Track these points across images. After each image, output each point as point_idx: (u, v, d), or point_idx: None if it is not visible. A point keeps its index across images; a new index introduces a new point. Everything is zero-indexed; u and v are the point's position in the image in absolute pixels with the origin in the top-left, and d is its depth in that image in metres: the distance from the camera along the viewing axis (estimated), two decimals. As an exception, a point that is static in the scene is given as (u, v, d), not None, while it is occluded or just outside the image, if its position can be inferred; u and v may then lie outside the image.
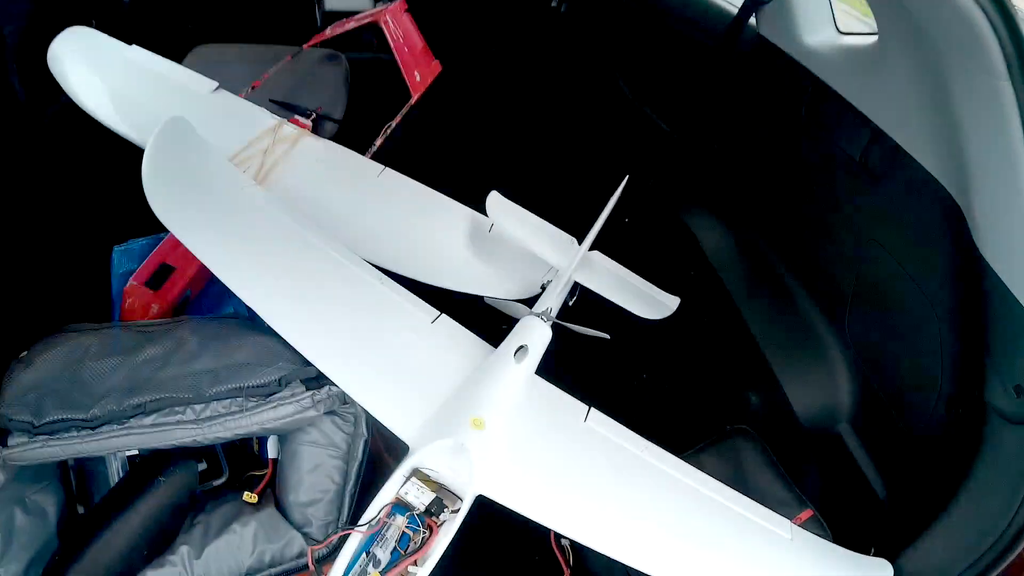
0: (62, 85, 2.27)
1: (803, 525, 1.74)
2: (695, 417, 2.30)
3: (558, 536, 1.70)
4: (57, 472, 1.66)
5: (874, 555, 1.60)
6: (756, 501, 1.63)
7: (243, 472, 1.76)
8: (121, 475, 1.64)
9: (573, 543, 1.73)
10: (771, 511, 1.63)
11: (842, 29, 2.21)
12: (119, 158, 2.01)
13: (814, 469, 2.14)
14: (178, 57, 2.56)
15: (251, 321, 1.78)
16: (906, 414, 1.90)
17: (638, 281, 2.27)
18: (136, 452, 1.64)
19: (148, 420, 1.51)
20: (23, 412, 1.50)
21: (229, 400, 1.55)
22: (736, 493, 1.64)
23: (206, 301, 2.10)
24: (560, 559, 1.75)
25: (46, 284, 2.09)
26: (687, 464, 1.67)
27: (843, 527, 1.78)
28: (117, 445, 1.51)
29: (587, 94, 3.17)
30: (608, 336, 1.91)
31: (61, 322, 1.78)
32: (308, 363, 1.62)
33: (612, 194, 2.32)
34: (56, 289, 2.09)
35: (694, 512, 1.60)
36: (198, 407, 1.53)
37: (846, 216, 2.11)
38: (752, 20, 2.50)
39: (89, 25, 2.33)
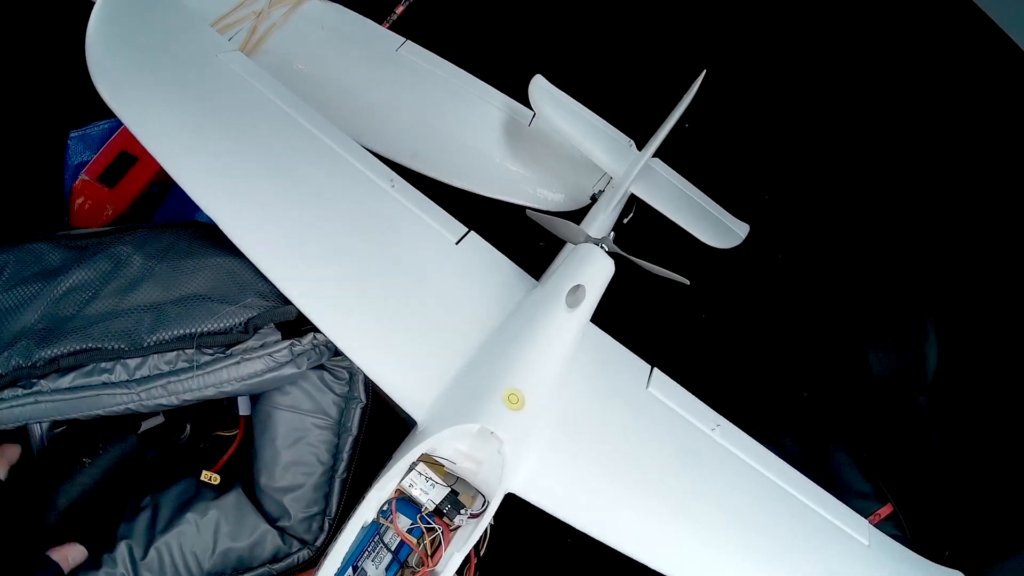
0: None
1: (881, 522, 1.51)
2: (761, 373, 1.81)
3: None
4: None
5: (948, 557, 1.31)
6: (831, 488, 1.25)
7: (210, 429, 1.27)
8: (45, 443, 1.18)
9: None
10: (849, 509, 1.23)
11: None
12: (80, 19, 1.47)
13: (887, 446, 1.71)
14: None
15: (218, 230, 1.23)
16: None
17: (705, 200, 1.77)
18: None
19: (64, 381, 1.01)
20: (-103, 365, 1.02)
21: (175, 353, 1.04)
22: (813, 485, 1.23)
23: (177, 200, 1.58)
24: None
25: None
26: (763, 448, 1.24)
27: (919, 521, 1.51)
28: (21, 416, 1.01)
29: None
30: (688, 282, 1.40)
31: (7, 235, 1.27)
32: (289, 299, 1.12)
33: (686, 92, 1.73)
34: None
35: (770, 513, 1.18)
36: (132, 363, 1.03)
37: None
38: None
39: None
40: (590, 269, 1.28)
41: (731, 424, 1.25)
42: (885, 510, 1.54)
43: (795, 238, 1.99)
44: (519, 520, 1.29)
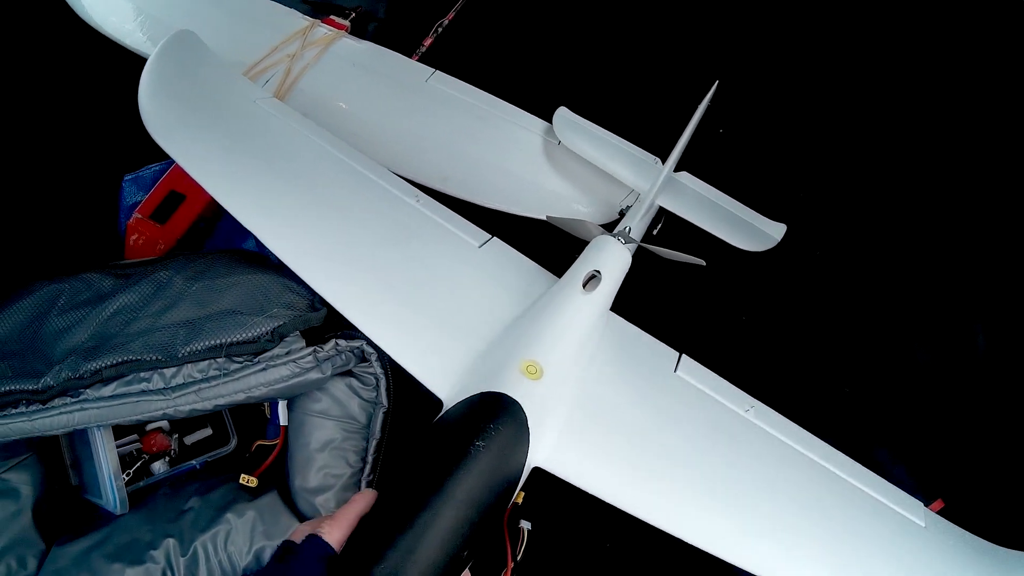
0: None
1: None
2: (802, 370, 1.81)
3: (513, 516, 1.24)
4: (34, 442, 1.27)
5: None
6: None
7: (253, 439, 1.37)
8: (103, 448, 1.28)
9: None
10: (901, 491, 1.21)
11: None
12: (131, 75, 1.63)
13: (935, 441, 1.70)
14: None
15: (252, 253, 1.40)
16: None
17: (735, 206, 1.80)
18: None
19: (107, 390, 1.11)
20: (-31, 382, 1.13)
21: (207, 362, 1.14)
22: (861, 467, 1.23)
23: (223, 233, 1.70)
24: (507, 547, 1.27)
25: (49, 223, 1.73)
26: (803, 430, 1.25)
27: (971, 517, 1.37)
28: (70, 422, 1.11)
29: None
30: (704, 262, 1.45)
31: (68, 268, 1.42)
32: (314, 307, 1.23)
33: (699, 103, 1.83)
34: (61, 228, 1.72)
35: (812, 492, 1.17)
36: (168, 372, 1.12)
37: None
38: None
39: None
40: (605, 257, 1.36)
41: (766, 407, 1.27)
42: (934, 507, 1.50)
43: (833, 234, 2.01)
44: (556, 524, 1.34)
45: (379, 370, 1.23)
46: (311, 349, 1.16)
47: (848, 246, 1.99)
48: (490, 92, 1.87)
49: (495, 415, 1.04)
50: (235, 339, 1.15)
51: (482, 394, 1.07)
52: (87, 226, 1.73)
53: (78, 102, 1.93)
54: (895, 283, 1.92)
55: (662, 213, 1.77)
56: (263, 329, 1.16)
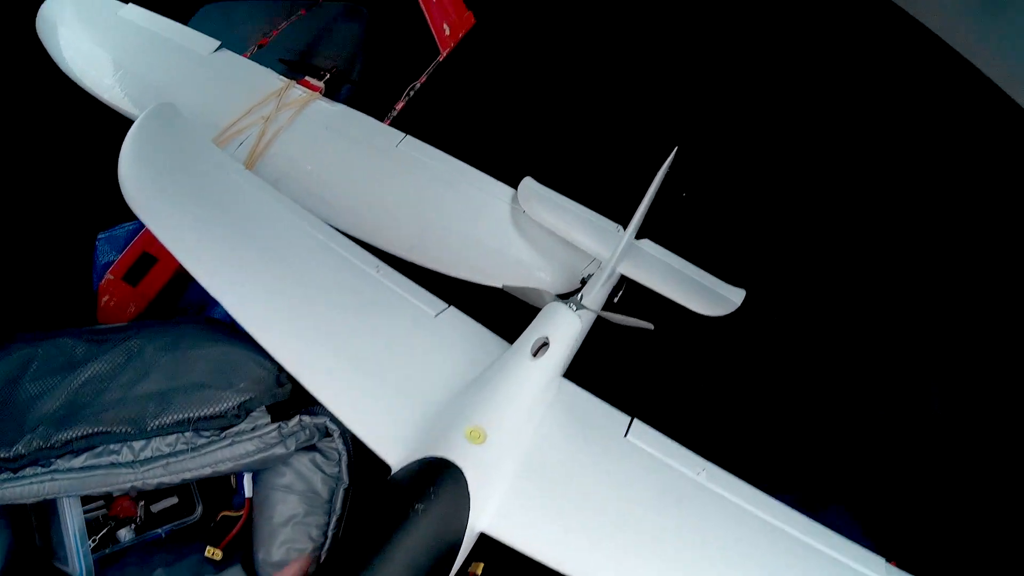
0: (48, 50, 1.97)
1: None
2: (759, 433, 1.86)
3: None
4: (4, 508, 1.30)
5: None
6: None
7: (218, 509, 1.39)
8: (71, 516, 1.30)
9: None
10: (860, 547, 1.24)
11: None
12: (107, 131, 1.67)
13: (889, 503, 1.76)
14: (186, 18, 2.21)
15: (222, 324, 1.45)
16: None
17: (695, 272, 1.84)
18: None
19: (77, 461, 1.15)
20: (-61, 447, 1.17)
21: (175, 436, 1.18)
22: (818, 526, 1.25)
23: (197, 289, 1.73)
24: None
25: (22, 279, 1.76)
26: (758, 491, 1.28)
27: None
28: (40, 492, 1.14)
29: (637, 57, 2.69)
30: (652, 326, 1.50)
31: (39, 325, 1.44)
32: (280, 382, 1.28)
33: (658, 170, 1.86)
34: (34, 285, 1.76)
35: (768, 553, 1.21)
36: (137, 445, 1.17)
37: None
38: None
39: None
40: (556, 324, 1.41)
41: (720, 469, 1.30)
42: (888, 565, 1.56)
43: (792, 298, 2.07)
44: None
45: (341, 446, 1.28)
46: (276, 425, 1.21)
47: (806, 311, 2.05)
48: (459, 154, 1.91)
49: (435, 479, 1.09)
50: (203, 414, 1.20)
51: (425, 459, 1.12)
52: (59, 283, 1.76)
53: (55, 156, 1.97)
54: (851, 348, 1.98)
55: (623, 281, 1.81)
56: (230, 404, 1.21)
